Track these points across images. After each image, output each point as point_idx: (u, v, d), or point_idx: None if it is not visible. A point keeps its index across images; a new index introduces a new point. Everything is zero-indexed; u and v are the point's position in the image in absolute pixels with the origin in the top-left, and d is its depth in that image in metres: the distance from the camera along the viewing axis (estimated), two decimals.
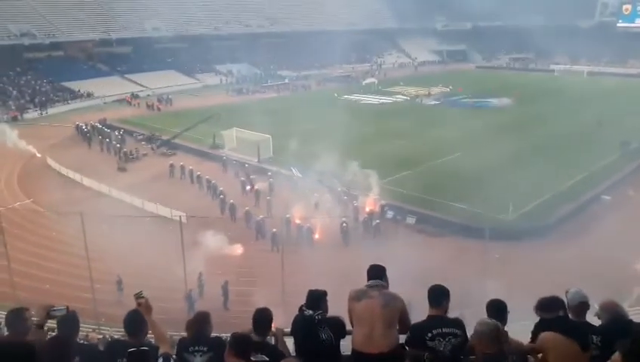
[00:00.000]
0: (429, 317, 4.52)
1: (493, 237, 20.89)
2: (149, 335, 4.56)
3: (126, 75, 67.14)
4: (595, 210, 24.92)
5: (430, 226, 23.99)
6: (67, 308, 4.21)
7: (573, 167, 29.44)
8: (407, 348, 4.51)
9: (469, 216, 23.97)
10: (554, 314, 4.28)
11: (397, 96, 60.50)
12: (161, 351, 4.07)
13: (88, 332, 14.18)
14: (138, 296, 4.24)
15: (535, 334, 4.20)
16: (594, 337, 4.19)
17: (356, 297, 4.52)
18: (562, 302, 4.38)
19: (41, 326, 4.12)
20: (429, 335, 4.34)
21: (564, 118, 40.74)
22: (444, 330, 4.37)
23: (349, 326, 4.63)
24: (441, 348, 4.33)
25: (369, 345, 4.33)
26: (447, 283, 4.71)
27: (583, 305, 4.41)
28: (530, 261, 19.22)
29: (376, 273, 4.67)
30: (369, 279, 4.65)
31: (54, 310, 4.15)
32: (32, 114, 52.42)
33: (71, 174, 32.82)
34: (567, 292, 4.50)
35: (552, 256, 19.34)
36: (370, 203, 25.87)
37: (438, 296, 4.53)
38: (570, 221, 23.55)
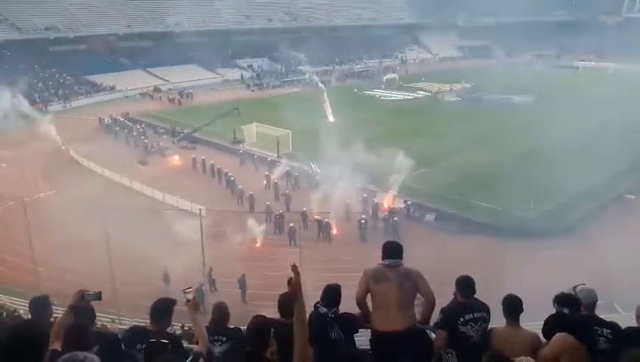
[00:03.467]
0: (460, 302, 4.62)
1: (513, 236, 20.70)
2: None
3: (148, 69, 67.92)
4: (619, 209, 24.38)
5: (449, 224, 23.79)
6: (100, 293, 4.30)
7: (596, 166, 28.79)
8: (432, 332, 4.62)
9: (489, 214, 23.71)
10: (571, 309, 4.39)
11: (418, 92, 60.05)
12: (196, 348, 4.14)
13: (107, 322, 14.44)
14: (187, 291, 4.29)
15: (549, 327, 4.23)
16: (604, 330, 4.30)
17: (374, 278, 4.63)
18: (576, 299, 4.52)
19: (73, 308, 4.22)
20: (462, 319, 4.49)
21: (587, 115, 39.84)
22: (475, 315, 4.52)
23: (361, 313, 4.75)
24: (472, 333, 4.47)
25: (386, 324, 4.50)
26: None
27: (595, 304, 4.63)
28: (551, 260, 18.91)
29: (393, 251, 4.72)
30: (385, 257, 4.70)
31: (88, 294, 4.25)
32: (55, 106, 53.44)
33: (93, 166, 33.39)
34: (574, 288, 4.66)
35: (573, 256, 19.00)
36: (389, 199, 25.76)
37: (469, 285, 4.67)
38: (592, 220, 23.08)
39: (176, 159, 35.37)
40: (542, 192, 25.15)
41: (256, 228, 23.08)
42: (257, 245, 22.76)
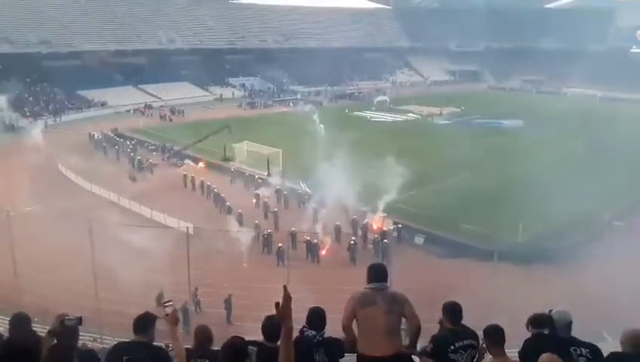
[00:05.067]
0: (449, 329, 4.60)
1: (502, 260, 20.66)
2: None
3: (140, 86, 67.95)
4: (607, 237, 24.43)
5: (439, 246, 23.77)
6: (80, 318, 4.20)
7: (585, 192, 29.06)
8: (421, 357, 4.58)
9: (478, 237, 23.74)
10: (545, 329, 4.49)
11: (408, 115, 60.59)
12: None
13: (89, 341, 14.12)
14: (167, 305, 4.23)
15: (528, 350, 4.31)
16: (583, 349, 4.34)
17: (360, 302, 4.54)
18: (552, 318, 4.57)
19: (52, 333, 4.11)
20: (452, 347, 4.45)
21: (575, 141, 40.40)
22: (464, 343, 4.49)
23: (347, 339, 4.63)
24: (462, 361, 4.44)
25: (373, 349, 4.41)
26: None
27: (570, 324, 4.62)
28: (539, 286, 18.88)
29: (379, 274, 4.65)
30: (370, 280, 4.62)
31: (69, 319, 4.15)
32: (46, 120, 52.99)
33: (81, 182, 33.05)
34: (550, 311, 4.69)
35: (562, 282, 19.04)
36: (378, 221, 25.72)
37: (457, 312, 4.65)
38: (581, 246, 23.16)
39: (165, 176, 35.17)
40: (531, 217, 25.25)
41: (244, 248, 22.88)
42: (244, 265, 22.49)
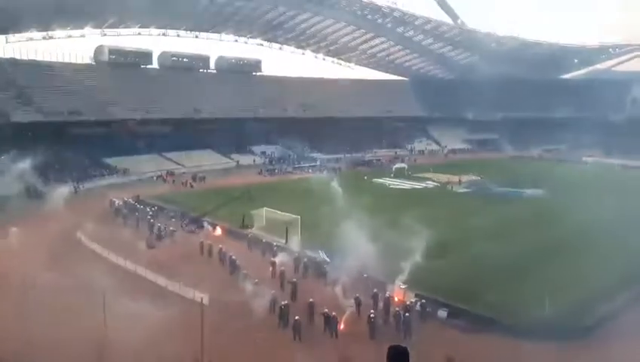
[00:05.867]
0: None
1: (527, 335, 19.73)
2: None
3: (164, 153, 69.65)
4: None
5: (462, 320, 22.69)
6: None
7: (613, 262, 27.95)
8: None
9: (502, 311, 22.67)
10: None
11: (427, 182, 60.53)
12: None
13: None
14: None
15: None
16: None
17: None
18: None
19: None
20: None
21: (600, 210, 39.39)
22: None
23: None
24: None
25: None
26: None
27: None
28: None
29: (400, 359, 4.35)
30: None
31: None
32: (69, 187, 53.95)
33: (99, 249, 33.01)
34: None
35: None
36: (399, 293, 24.86)
37: None
38: (613, 321, 21.89)
39: (182, 243, 35.07)
40: (557, 289, 24.17)
41: (260, 320, 22.17)
42: (260, 340, 21.62)
